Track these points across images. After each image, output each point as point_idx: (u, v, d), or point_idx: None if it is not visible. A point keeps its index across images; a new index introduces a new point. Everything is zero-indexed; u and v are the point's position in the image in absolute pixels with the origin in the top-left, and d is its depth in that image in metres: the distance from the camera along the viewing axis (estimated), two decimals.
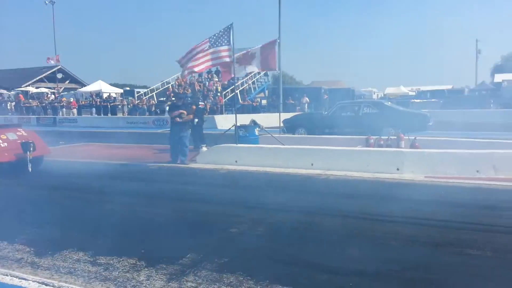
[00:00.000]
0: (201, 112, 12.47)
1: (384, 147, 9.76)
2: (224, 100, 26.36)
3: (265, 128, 11.82)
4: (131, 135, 18.70)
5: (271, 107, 28.39)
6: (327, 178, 7.72)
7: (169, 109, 10.89)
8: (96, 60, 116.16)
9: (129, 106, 28.59)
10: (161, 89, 32.79)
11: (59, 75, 43.67)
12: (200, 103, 13.54)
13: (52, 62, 42.57)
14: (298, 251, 4.20)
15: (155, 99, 30.52)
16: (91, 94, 35.01)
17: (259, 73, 30.19)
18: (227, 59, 9.57)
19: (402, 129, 10.81)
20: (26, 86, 40.45)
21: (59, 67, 43.83)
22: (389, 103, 14.69)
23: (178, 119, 10.86)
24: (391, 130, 11.38)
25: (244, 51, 10.86)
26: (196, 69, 9.81)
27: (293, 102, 25.88)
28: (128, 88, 41.28)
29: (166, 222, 5.35)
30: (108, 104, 29.57)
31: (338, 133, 12.33)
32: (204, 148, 10.05)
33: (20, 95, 33.54)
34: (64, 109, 29.90)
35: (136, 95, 34.63)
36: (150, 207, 6.10)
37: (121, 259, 4.03)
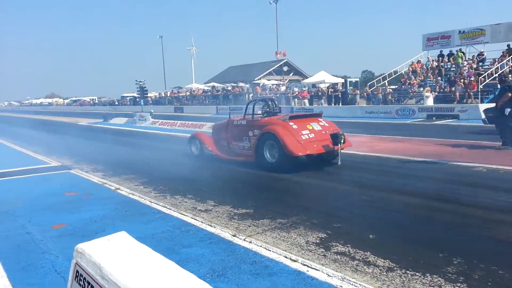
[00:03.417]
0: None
1: None
2: (479, 86, 22.04)
3: None
4: (387, 126, 17.11)
5: None
6: None
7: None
8: (316, 52, 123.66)
9: (364, 94, 27.29)
10: (393, 76, 30.43)
11: (285, 68, 46.29)
12: None
13: (279, 57, 45.43)
14: None
15: (387, 87, 28.27)
16: (314, 84, 35.66)
17: None
18: None
19: None
20: (259, 79, 44.28)
21: (285, 60, 46.48)
22: None
23: None
24: None
25: None
26: None
27: None
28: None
29: None
30: (339, 93, 28.97)
31: None
32: None
33: (257, 87, 36.58)
34: (296, 99, 30.90)
35: (348, 85, 33.13)
36: None
37: None
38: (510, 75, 23.91)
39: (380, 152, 9.89)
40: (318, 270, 3.46)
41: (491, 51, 26.93)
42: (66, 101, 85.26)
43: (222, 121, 10.06)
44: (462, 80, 22.80)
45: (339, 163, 7.82)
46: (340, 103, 28.08)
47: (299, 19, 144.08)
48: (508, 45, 25.00)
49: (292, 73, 48.27)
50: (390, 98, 25.66)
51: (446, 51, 28.32)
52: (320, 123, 8.45)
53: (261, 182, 7.40)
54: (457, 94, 22.39)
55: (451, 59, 27.11)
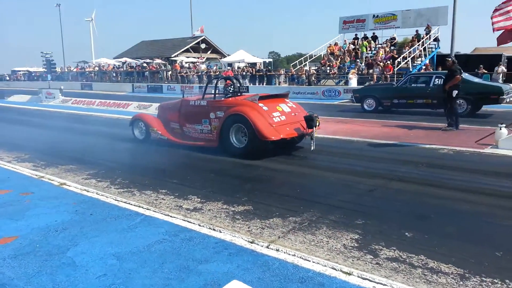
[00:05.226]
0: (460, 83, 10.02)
1: None
2: (394, 70, 23.38)
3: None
4: (318, 107, 17.09)
5: None
6: None
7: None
8: (235, 30, 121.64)
9: (288, 75, 27.38)
10: (313, 57, 31.02)
11: (203, 45, 44.65)
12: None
13: (197, 33, 43.59)
14: None
15: (310, 69, 28.73)
16: (231, 63, 34.98)
17: (429, 37, 26.43)
18: None
19: (475, 102, 12.21)
20: (175, 56, 42.10)
21: (203, 37, 44.76)
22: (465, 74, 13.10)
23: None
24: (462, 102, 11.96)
25: None
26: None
27: (485, 72, 21.78)
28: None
29: None
30: (264, 73, 28.72)
31: (407, 105, 13.49)
32: (505, 129, 7.75)
33: (176, 65, 34.71)
34: None
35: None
36: None
37: None
38: (419, 59, 26.06)
39: (335, 134, 9.67)
40: (387, 285, 2.90)
41: (401, 35, 28.88)
42: None
43: (173, 101, 8.93)
44: (379, 63, 23.97)
45: (313, 147, 7.33)
46: (264, 83, 27.90)
47: None
48: (417, 31, 26.90)
49: (210, 51, 46.79)
50: (313, 79, 26.10)
51: (360, 35, 29.51)
52: (288, 104, 7.87)
53: (236, 171, 6.59)
54: (375, 76, 23.49)
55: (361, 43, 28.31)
